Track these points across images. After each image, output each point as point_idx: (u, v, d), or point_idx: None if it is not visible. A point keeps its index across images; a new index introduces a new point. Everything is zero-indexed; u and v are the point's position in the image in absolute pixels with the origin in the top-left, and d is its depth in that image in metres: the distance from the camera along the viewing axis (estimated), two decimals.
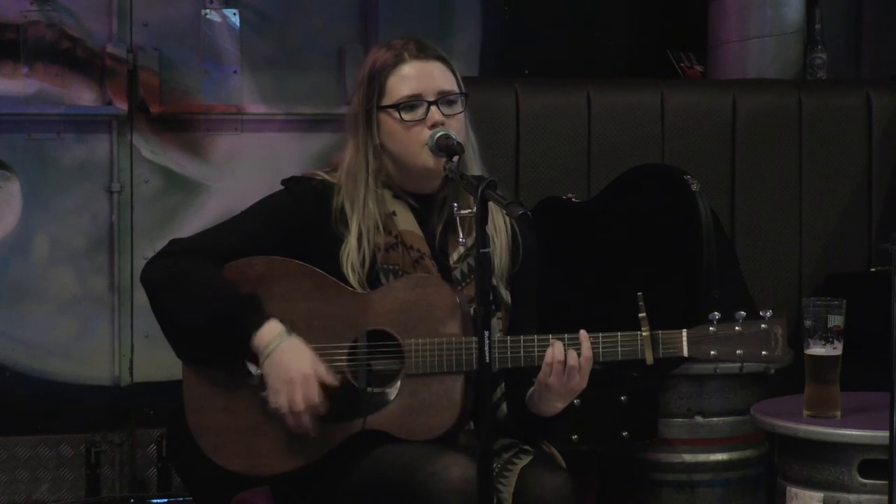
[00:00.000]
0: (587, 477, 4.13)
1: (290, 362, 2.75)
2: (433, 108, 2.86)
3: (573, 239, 4.13)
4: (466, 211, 2.76)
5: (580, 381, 2.75)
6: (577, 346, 2.74)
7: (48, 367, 4.73)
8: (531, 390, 2.82)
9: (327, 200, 2.89)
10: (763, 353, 2.78)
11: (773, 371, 2.84)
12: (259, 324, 2.77)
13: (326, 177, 2.93)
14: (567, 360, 2.73)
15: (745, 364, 2.84)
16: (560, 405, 2.81)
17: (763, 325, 2.78)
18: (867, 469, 3.23)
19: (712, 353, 2.77)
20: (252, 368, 2.80)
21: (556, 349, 2.73)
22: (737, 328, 2.78)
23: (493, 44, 5.11)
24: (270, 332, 2.77)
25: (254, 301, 2.79)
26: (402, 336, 2.79)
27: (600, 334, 2.77)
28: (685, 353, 2.77)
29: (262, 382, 2.79)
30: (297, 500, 2.88)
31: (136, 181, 4.79)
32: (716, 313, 2.79)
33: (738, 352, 2.78)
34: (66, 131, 4.74)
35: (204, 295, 2.80)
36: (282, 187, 2.95)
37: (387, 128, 2.89)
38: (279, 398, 2.75)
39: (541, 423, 2.85)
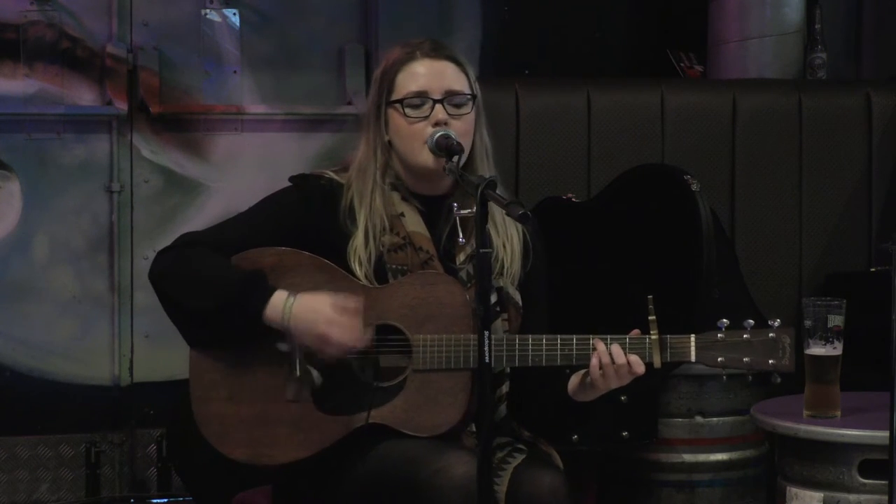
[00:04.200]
0: (587, 477, 4.13)
1: (312, 314, 2.75)
2: (438, 106, 2.87)
3: (573, 239, 4.13)
4: (467, 211, 2.77)
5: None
6: (629, 347, 2.77)
7: (48, 367, 4.73)
8: (572, 382, 2.85)
9: (335, 199, 2.90)
10: (770, 361, 2.79)
11: (779, 380, 2.84)
12: (266, 298, 2.78)
13: (335, 176, 2.94)
14: (614, 358, 2.75)
15: (752, 374, 2.84)
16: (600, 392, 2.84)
17: (771, 334, 2.79)
18: (867, 469, 3.22)
19: (719, 359, 2.79)
20: (282, 346, 2.80)
21: (613, 351, 2.76)
22: (745, 336, 2.79)
23: (493, 44, 5.11)
24: (279, 302, 2.77)
25: (258, 276, 2.80)
26: (412, 331, 2.79)
27: (608, 336, 2.77)
28: (693, 358, 2.78)
29: (295, 351, 2.78)
30: (299, 497, 2.88)
31: (136, 181, 4.79)
32: (724, 320, 2.80)
33: (745, 359, 2.79)
34: (66, 131, 4.74)
35: (210, 280, 2.81)
36: (289, 184, 2.96)
37: (393, 123, 2.90)
38: (329, 345, 2.75)
39: (576, 409, 2.87)
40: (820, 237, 4.72)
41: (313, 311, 2.76)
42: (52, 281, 4.73)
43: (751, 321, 2.80)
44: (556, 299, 3.12)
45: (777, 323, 2.81)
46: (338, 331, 2.75)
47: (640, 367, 2.76)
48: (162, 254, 2.89)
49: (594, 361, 2.75)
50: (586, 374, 2.80)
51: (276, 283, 2.81)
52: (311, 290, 2.81)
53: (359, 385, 2.81)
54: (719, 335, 2.79)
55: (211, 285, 2.81)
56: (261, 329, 2.79)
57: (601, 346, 2.75)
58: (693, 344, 2.78)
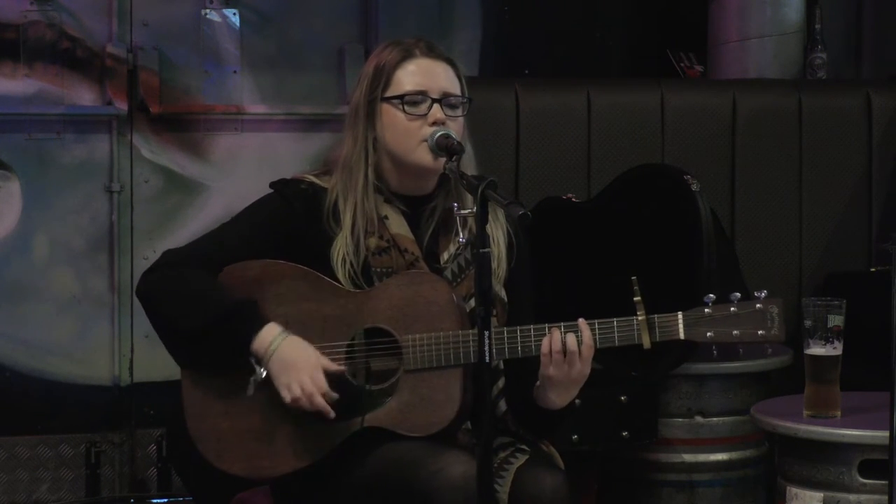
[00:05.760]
0: (587, 477, 4.13)
1: (294, 356, 2.76)
2: (436, 105, 2.87)
3: (573, 239, 4.13)
4: (466, 211, 2.77)
5: (582, 369, 2.76)
6: (575, 331, 2.75)
7: (48, 367, 4.73)
8: (537, 384, 2.83)
9: (318, 203, 2.90)
10: (760, 332, 2.78)
11: (770, 351, 2.84)
12: (258, 328, 2.78)
13: (315, 180, 2.93)
14: (566, 346, 2.74)
15: (743, 349, 2.83)
16: (565, 397, 2.82)
17: (758, 305, 2.78)
18: (867, 469, 3.23)
19: (709, 334, 2.78)
20: (258, 370, 2.80)
21: (553, 338, 2.74)
22: (732, 309, 2.78)
23: (493, 44, 5.10)
24: (270, 334, 2.78)
25: (251, 306, 2.80)
26: (400, 332, 2.79)
27: (596, 321, 2.77)
28: (682, 335, 2.76)
29: (267, 384, 2.78)
30: (298, 499, 2.88)
31: (136, 181, 4.79)
32: (711, 295, 2.79)
33: (735, 332, 2.78)
34: (66, 131, 4.74)
35: (202, 302, 2.80)
36: (270, 190, 2.95)
37: (388, 119, 2.89)
38: (291, 389, 2.75)
39: (547, 416, 2.86)
40: (820, 237, 4.72)
41: (299, 356, 2.76)
42: (52, 281, 4.73)
43: (737, 294, 2.79)
44: (554, 299, 3.12)
45: (763, 294, 2.80)
46: (308, 382, 2.75)
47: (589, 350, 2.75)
48: (148, 274, 2.87)
49: (544, 345, 2.75)
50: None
51: (262, 296, 2.81)
52: (295, 299, 2.82)
53: (352, 390, 2.81)
54: (706, 310, 2.78)
55: (201, 306, 2.79)
56: (245, 355, 2.78)
57: (556, 333, 2.74)
58: (681, 321, 2.77)
